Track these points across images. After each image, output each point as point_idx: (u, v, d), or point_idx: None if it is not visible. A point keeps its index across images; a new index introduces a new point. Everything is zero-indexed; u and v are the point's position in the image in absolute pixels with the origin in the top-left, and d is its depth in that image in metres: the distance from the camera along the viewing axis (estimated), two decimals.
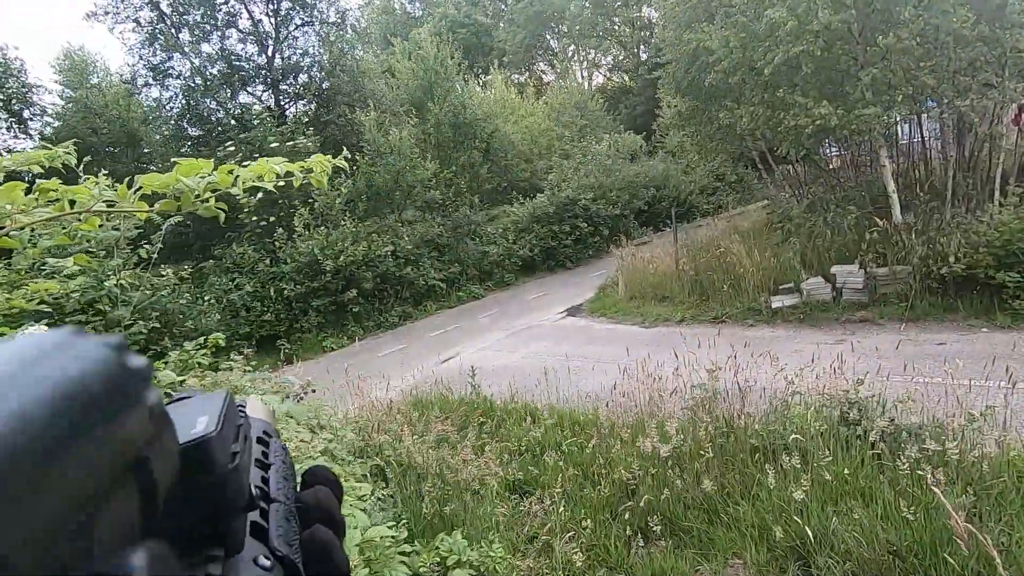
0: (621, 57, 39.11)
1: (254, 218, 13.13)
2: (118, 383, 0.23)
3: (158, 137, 16.01)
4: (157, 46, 15.75)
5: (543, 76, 40.96)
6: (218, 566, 0.30)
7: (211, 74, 16.29)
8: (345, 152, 1.82)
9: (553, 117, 26.19)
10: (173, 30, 16.15)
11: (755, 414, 4.35)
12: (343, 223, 13.14)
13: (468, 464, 3.90)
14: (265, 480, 0.39)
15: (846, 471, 3.23)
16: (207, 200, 1.45)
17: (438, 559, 1.99)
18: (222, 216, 1.44)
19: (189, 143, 16.81)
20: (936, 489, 2.24)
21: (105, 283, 4.59)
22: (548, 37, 40.19)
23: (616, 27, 38.11)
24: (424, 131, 19.53)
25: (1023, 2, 6.90)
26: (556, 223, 17.17)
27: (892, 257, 7.93)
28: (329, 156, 1.65)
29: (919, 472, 2.90)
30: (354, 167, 14.93)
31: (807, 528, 2.87)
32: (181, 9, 16.26)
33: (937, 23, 6.88)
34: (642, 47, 36.23)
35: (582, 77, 38.65)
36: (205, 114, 16.47)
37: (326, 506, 0.41)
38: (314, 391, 3.93)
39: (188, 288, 10.78)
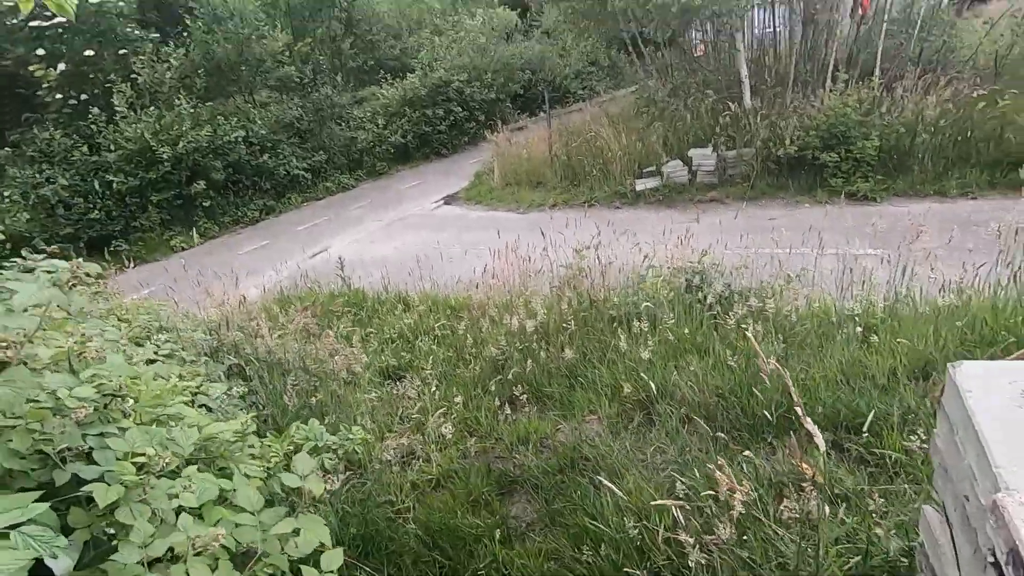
0: None
1: (58, 96, 10.85)
2: None
3: None
4: None
5: None
6: None
7: None
8: None
9: None
10: None
11: (615, 288, 4.67)
12: (178, 103, 11.27)
13: (335, 355, 3.80)
14: None
15: (686, 331, 3.62)
16: None
17: (293, 448, 1.93)
18: None
19: None
20: (751, 335, 2.56)
21: None
22: None
23: None
24: None
25: None
26: (429, 107, 16.20)
27: (740, 140, 8.56)
28: None
29: (743, 327, 3.32)
30: (185, 33, 12.62)
31: (651, 383, 3.21)
32: None
33: None
34: None
35: None
36: None
37: None
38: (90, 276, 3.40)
39: None
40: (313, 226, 11.13)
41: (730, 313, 3.69)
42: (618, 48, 17.79)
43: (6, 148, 11.12)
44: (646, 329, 3.55)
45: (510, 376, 3.85)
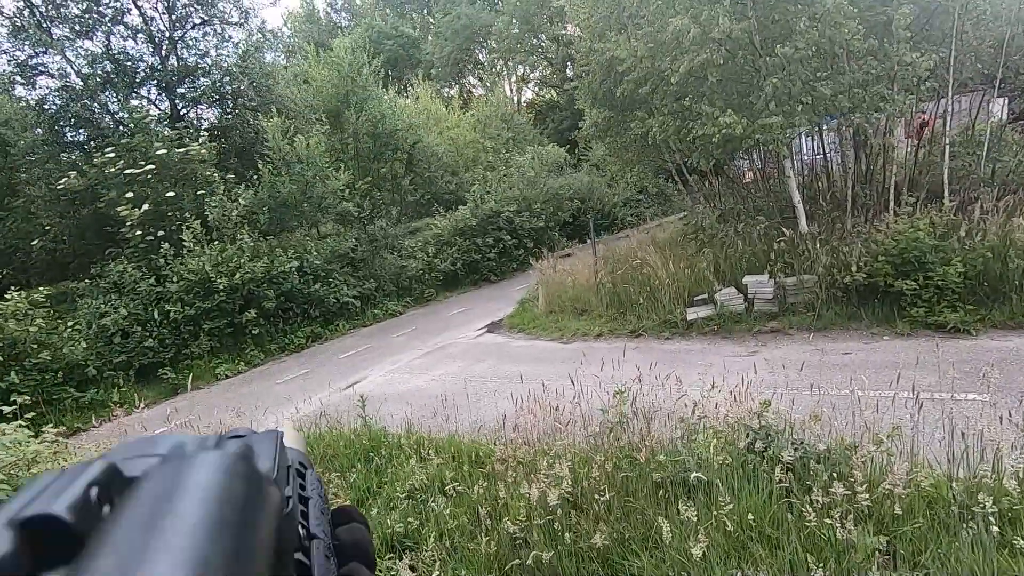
0: (548, 73, 39.59)
1: (138, 232, 11.78)
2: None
3: (23, 142, 14.07)
4: (24, 40, 13.96)
5: (472, 91, 40.79)
6: None
7: (93, 74, 14.64)
8: None
9: (479, 129, 25.90)
10: (46, 23, 14.41)
11: (662, 441, 3.95)
12: (240, 237, 11.98)
13: None
14: (304, 515, 0.38)
15: (751, 516, 2.83)
16: None
17: None
18: None
19: (71, 149, 15.03)
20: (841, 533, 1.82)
21: None
22: (476, 51, 40.16)
23: (542, 44, 38.56)
24: (341, 140, 18.59)
25: (908, 18, 7.11)
26: (479, 236, 16.70)
27: (799, 267, 7.95)
28: None
29: (827, 520, 2.53)
30: (256, 176, 13.81)
31: None
32: (58, 0, 14.57)
33: (830, 35, 6.95)
34: (568, 64, 36.81)
35: (511, 92, 38.79)
36: (87, 118, 14.74)
37: (362, 545, 0.41)
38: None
39: (45, 313, 9.37)
40: (355, 354, 10.99)
41: (808, 487, 2.90)
42: (665, 178, 18.22)
43: (86, 280, 11.98)
44: (694, 517, 2.79)
45: (529, 561, 3.12)
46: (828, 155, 11.37)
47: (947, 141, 8.55)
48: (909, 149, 9.89)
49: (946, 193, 8.10)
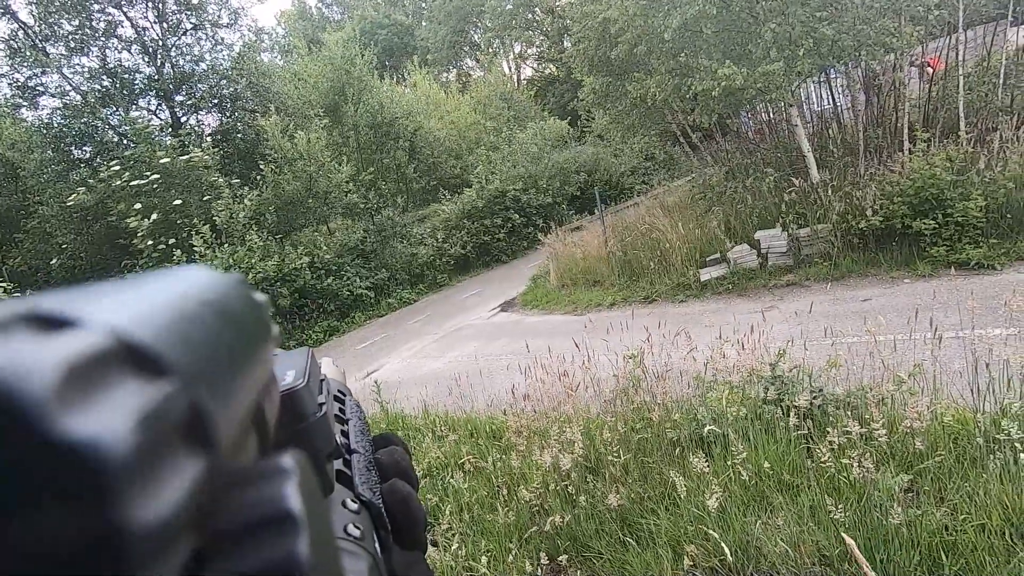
0: (546, 47, 38.89)
1: (150, 242, 11.93)
2: (262, 313, 0.24)
3: (31, 164, 14.27)
4: (20, 61, 14.07)
5: (470, 73, 40.27)
6: None
7: (92, 90, 14.75)
8: None
9: (479, 110, 25.62)
10: (41, 43, 14.52)
11: (677, 399, 3.89)
12: (250, 238, 12.06)
13: None
14: (344, 433, 0.40)
15: (767, 464, 2.75)
16: None
17: None
18: None
19: (78, 166, 15.22)
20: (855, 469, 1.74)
21: None
22: (471, 32, 39.58)
23: (537, 17, 37.80)
24: (342, 134, 18.54)
25: None
26: (487, 217, 16.59)
27: (812, 216, 7.73)
28: None
29: (844, 461, 2.45)
30: (260, 177, 13.85)
31: (723, 544, 2.36)
32: (51, 19, 14.63)
33: None
34: (565, 36, 36.11)
35: (510, 70, 38.22)
36: (91, 133, 14.88)
37: (403, 464, 0.42)
38: None
39: None
40: (372, 343, 11.07)
41: (826, 431, 2.82)
42: (672, 142, 17.83)
43: None
44: (706, 469, 2.73)
45: (547, 527, 3.10)
46: (838, 102, 10.98)
47: (961, 72, 8.17)
48: (922, 87, 9.50)
49: (962, 126, 7.76)
